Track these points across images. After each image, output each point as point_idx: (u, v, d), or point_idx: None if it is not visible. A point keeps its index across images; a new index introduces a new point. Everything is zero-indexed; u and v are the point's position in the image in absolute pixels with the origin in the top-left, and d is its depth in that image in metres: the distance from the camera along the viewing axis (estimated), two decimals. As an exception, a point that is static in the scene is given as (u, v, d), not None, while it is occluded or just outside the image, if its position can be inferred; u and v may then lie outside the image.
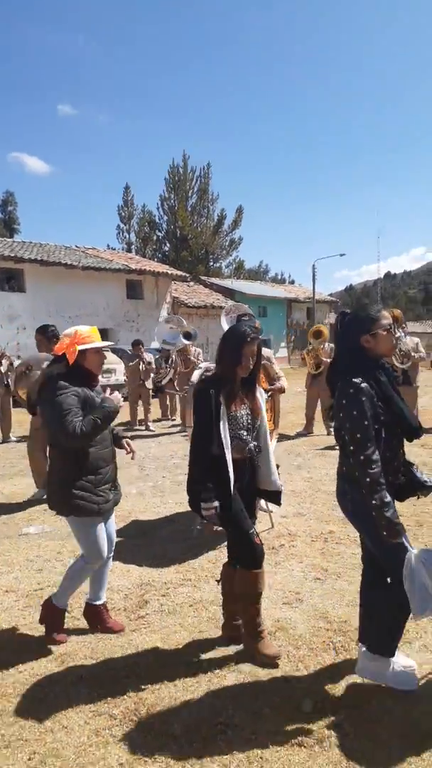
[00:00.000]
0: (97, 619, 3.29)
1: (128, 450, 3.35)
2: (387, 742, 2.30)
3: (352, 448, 2.48)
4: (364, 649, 2.71)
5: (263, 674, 2.81)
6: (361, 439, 2.46)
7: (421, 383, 8.75)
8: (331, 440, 8.85)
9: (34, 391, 3.42)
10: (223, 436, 2.81)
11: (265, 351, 5.54)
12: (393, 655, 2.67)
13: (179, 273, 27.11)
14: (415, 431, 2.62)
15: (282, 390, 5.11)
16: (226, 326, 4.62)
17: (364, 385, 2.49)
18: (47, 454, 4.22)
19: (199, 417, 2.87)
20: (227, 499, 2.79)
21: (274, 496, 3.16)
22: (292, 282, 67.76)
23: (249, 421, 2.99)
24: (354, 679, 2.73)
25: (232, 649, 3.04)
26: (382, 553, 2.57)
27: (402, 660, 2.71)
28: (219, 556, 4.31)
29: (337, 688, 2.68)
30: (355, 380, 2.49)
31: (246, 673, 2.82)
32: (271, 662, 2.88)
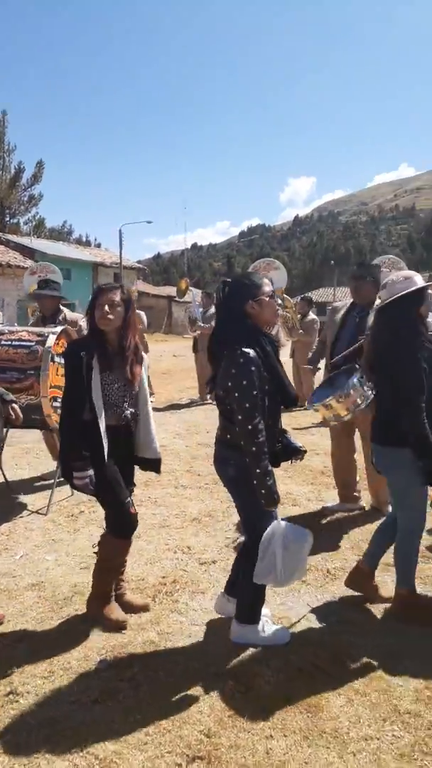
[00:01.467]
0: None
1: (14, 416, 3.26)
2: (177, 692, 2.41)
3: (240, 417, 2.47)
4: (234, 620, 2.77)
5: (58, 639, 2.77)
6: (249, 408, 2.46)
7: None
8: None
9: None
10: (95, 401, 2.70)
11: (73, 315, 5.36)
12: (258, 621, 2.75)
13: (-32, 226, 24.74)
14: (293, 400, 2.69)
15: None
16: (28, 287, 4.38)
17: (253, 354, 2.48)
18: None
19: (69, 381, 2.76)
20: (101, 466, 2.72)
21: (154, 464, 3.06)
22: (99, 245, 66.16)
23: (125, 386, 2.86)
24: (149, 634, 2.80)
25: (21, 617, 2.93)
26: (252, 519, 2.64)
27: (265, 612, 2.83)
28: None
29: (132, 644, 2.73)
30: (245, 349, 2.47)
31: (38, 640, 2.76)
32: (117, 626, 2.85)
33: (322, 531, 4.06)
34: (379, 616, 3.00)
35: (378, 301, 3.01)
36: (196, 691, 2.41)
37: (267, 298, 2.59)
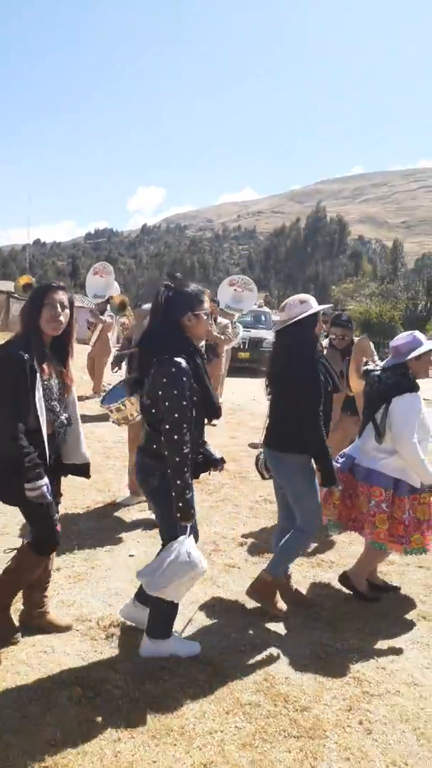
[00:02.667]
0: None
1: None
2: (23, 703, 2.32)
3: (167, 427, 2.44)
4: (145, 636, 2.70)
5: None
6: (178, 419, 2.43)
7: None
8: None
9: None
10: (39, 407, 2.48)
11: None
12: (171, 635, 2.72)
13: None
14: (217, 413, 2.70)
15: None
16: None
17: (185, 365, 2.45)
18: None
19: (12, 386, 2.44)
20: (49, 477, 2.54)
21: (82, 469, 2.88)
22: None
23: (60, 390, 2.68)
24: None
25: None
26: (171, 531, 2.59)
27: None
28: None
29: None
30: (177, 359, 2.44)
31: None
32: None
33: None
34: (221, 615, 3.15)
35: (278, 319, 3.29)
36: (43, 700, 2.35)
37: (204, 314, 2.62)
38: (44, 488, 2.47)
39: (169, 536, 2.61)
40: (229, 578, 3.57)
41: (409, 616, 3.30)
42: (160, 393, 2.45)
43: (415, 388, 3.23)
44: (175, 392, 2.43)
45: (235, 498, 5.02)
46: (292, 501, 3.24)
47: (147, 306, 4.79)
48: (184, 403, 2.44)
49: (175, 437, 2.44)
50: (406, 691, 2.62)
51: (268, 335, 17.61)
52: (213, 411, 2.67)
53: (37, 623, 2.85)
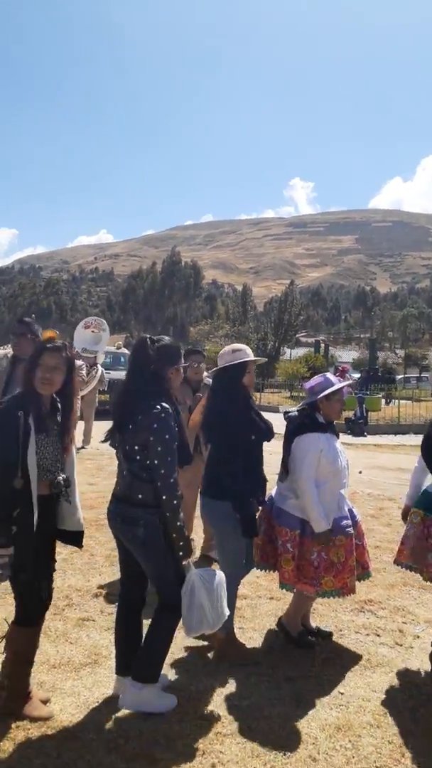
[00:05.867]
0: None
1: None
2: None
3: (162, 471, 2.50)
4: (129, 681, 2.63)
5: None
6: (171, 462, 2.52)
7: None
8: None
9: None
10: (30, 466, 2.41)
11: None
12: (158, 680, 2.66)
13: None
14: (188, 458, 2.81)
15: None
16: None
17: (171, 410, 2.55)
18: None
19: (2, 443, 2.41)
20: (29, 542, 2.43)
21: (76, 538, 2.74)
22: None
23: (59, 449, 2.60)
24: None
25: None
26: (166, 578, 2.60)
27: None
28: None
29: None
30: (165, 404, 2.54)
31: None
32: (46, 720, 2.57)
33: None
34: (74, 672, 3.02)
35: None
36: None
37: (180, 370, 2.81)
38: (6, 559, 2.40)
39: (167, 585, 2.61)
40: (83, 632, 3.45)
41: (257, 645, 3.41)
42: (151, 439, 2.51)
43: (318, 428, 3.24)
44: (167, 436, 2.52)
45: (92, 547, 4.90)
46: (217, 546, 3.34)
47: (3, 351, 4.62)
48: (175, 446, 2.55)
49: (171, 480, 2.51)
50: (256, 726, 2.66)
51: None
52: (186, 456, 2.77)
53: None
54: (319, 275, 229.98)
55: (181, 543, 2.55)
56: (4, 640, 2.66)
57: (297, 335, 56.98)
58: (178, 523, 2.53)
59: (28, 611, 2.60)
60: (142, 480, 2.58)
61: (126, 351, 22.49)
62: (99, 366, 10.06)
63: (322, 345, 43.17)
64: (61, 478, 2.61)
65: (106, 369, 11.67)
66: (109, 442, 2.82)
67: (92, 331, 10.55)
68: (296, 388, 28.70)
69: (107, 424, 2.84)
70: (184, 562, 2.58)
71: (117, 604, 2.92)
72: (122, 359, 19.40)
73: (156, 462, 2.52)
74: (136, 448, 2.58)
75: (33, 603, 2.59)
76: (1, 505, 2.41)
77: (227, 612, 2.71)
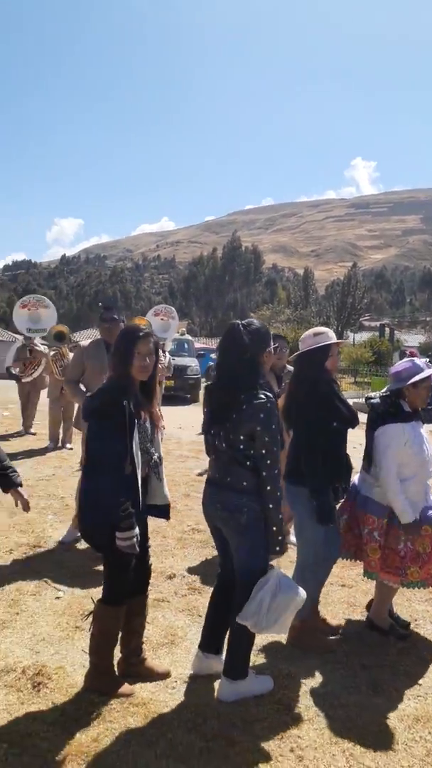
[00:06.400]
0: None
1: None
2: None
3: (268, 462, 2.51)
4: (224, 678, 2.68)
5: None
6: (276, 452, 2.50)
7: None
8: None
9: None
10: (135, 451, 2.52)
11: None
12: (248, 674, 2.70)
13: None
14: (282, 443, 2.71)
15: None
16: None
17: (273, 399, 2.52)
18: None
19: (113, 431, 2.48)
20: (139, 522, 2.56)
21: (164, 511, 2.86)
22: None
23: (151, 431, 2.73)
24: None
25: None
26: (251, 565, 2.61)
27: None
28: None
29: None
30: (268, 394, 2.51)
31: None
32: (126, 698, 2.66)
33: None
34: (150, 651, 3.10)
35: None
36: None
37: (270, 354, 2.76)
38: (134, 540, 2.49)
39: (248, 572, 2.62)
40: (158, 613, 3.54)
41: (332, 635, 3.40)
42: (258, 429, 2.50)
43: (402, 418, 3.13)
44: (273, 426, 2.51)
45: (163, 530, 5.00)
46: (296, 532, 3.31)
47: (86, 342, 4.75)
48: (279, 436, 2.55)
49: (276, 471, 2.53)
50: (333, 713, 2.67)
51: (192, 362, 17.79)
52: (281, 443, 2.72)
53: (135, 671, 2.84)
54: (383, 257, 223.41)
55: (279, 537, 2.57)
56: (90, 617, 2.76)
57: (360, 319, 55.71)
58: (279, 515, 2.55)
59: (116, 590, 2.67)
60: (246, 468, 2.58)
61: (189, 338, 22.74)
62: (167, 353, 10.19)
63: (387, 329, 41.91)
64: (156, 457, 2.74)
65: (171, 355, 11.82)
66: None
67: (161, 319, 10.68)
68: (361, 373, 28.11)
69: (171, 410, 2.87)
70: (280, 554, 2.63)
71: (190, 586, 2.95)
72: (185, 345, 19.65)
73: (263, 452, 2.53)
74: (242, 437, 2.55)
75: (122, 582, 2.65)
76: (121, 490, 2.50)
77: (278, 628, 2.62)
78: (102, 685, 2.70)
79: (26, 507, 2.91)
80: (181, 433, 10.05)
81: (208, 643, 2.87)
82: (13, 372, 9.54)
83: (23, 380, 9.46)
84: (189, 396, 16.84)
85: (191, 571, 4.22)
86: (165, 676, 2.87)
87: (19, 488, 2.88)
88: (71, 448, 8.62)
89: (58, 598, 3.67)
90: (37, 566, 4.16)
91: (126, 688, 2.72)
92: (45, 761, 2.26)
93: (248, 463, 2.58)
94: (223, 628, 2.83)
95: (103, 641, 2.71)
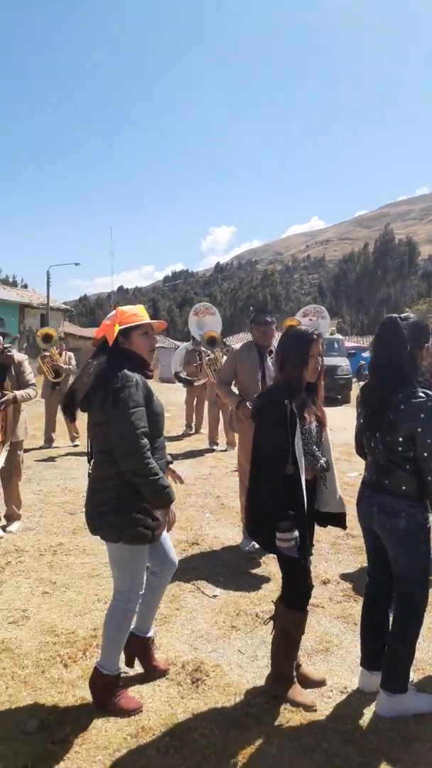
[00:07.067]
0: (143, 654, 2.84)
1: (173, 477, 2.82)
2: (113, 751, 2.35)
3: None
4: (382, 692, 2.58)
5: (-15, 702, 2.63)
6: None
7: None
8: (68, 450, 8.73)
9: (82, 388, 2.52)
10: (297, 453, 2.49)
11: (19, 355, 4.99)
12: (407, 689, 2.60)
13: None
14: None
15: (30, 397, 4.87)
16: None
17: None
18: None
19: (274, 432, 2.51)
20: (302, 525, 2.48)
21: (338, 519, 2.81)
22: (25, 286, 64.95)
23: (317, 433, 2.71)
24: (81, 691, 2.72)
25: None
26: (414, 572, 2.53)
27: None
28: None
29: (64, 702, 2.64)
30: (429, 392, 2.40)
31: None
32: (308, 709, 2.61)
33: (246, 573, 4.14)
34: (306, 656, 3.07)
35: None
36: (130, 749, 2.36)
37: (427, 350, 2.65)
38: (293, 542, 2.43)
39: (414, 582, 2.53)
40: (312, 618, 3.49)
41: None
42: (419, 430, 2.37)
43: None
44: None
45: (317, 534, 4.91)
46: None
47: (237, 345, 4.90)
48: None
49: None
50: None
51: (342, 362, 17.37)
52: None
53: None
54: None
55: None
56: (272, 621, 2.75)
57: None
58: None
59: (298, 594, 2.64)
60: (406, 471, 2.46)
61: (339, 337, 22.21)
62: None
63: None
64: (323, 461, 2.68)
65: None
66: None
67: (310, 319, 10.59)
68: None
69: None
70: None
71: (364, 595, 2.84)
72: (336, 345, 19.20)
73: (425, 455, 2.38)
74: (400, 439, 2.43)
75: (304, 586, 2.64)
76: (276, 491, 2.47)
77: None
78: (281, 690, 2.67)
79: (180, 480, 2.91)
80: (332, 434, 9.82)
81: (371, 661, 2.74)
82: (182, 376, 10.13)
83: (195, 384, 9.98)
84: (340, 396, 16.47)
85: (345, 577, 4.11)
86: (320, 683, 2.82)
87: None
88: (225, 450, 8.92)
89: (215, 596, 3.79)
90: (195, 563, 4.33)
91: (306, 698, 2.66)
92: (204, 757, 2.32)
93: (408, 466, 2.45)
94: (381, 643, 2.69)
95: (285, 646, 2.67)
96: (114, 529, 2.47)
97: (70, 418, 2.60)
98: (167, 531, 2.67)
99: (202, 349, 9.90)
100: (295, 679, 2.71)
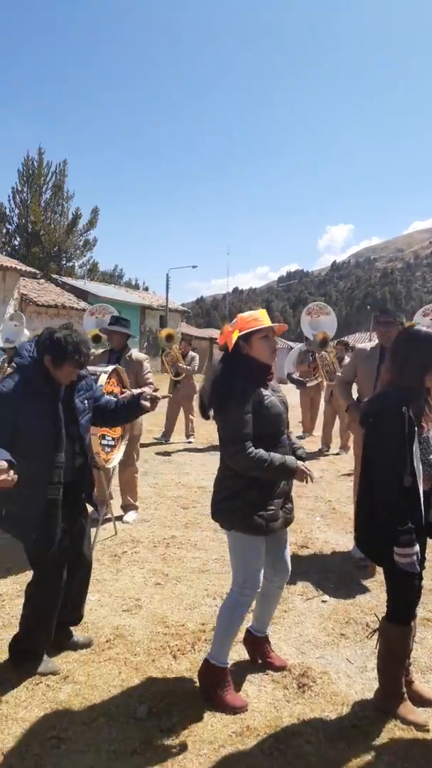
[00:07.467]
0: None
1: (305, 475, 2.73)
2: (218, 746, 2.38)
3: None
4: None
5: (100, 683, 2.77)
6: None
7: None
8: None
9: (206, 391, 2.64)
10: (415, 462, 2.38)
11: (139, 355, 5.27)
12: None
13: (29, 269, 25.80)
14: None
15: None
16: (89, 327, 4.38)
17: None
18: None
19: (392, 440, 2.40)
20: (418, 540, 2.39)
21: None
22: (146, 289, 67.92)
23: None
24: (189, 684, 2.78)
25: (64, 658, 2.96)
26: None
27: None
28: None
29: (173, 692, 2.71)
30: None
31: (81, 683, 2.77)
32: (419, 728, 2.49)
33: (358, 582, 4.02)
34: (419, 672, 2.93)
35: None
36: (235, 746, 2.38)
37: None
38: (414, 557, 2.33)
39: None
40: (427, 633, 3.31)
41: None
42: None
43: None
44: None
45: None
46: None
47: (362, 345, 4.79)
48: None
49: None
50: None
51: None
52: None
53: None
54: None
55: None
56: (376, 634, 2.68)
57: None
58: None
59: (401, 607, 2.55)
60: None
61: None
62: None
63: None
64: None
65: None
66: None
67: (431, 319, 10.03)
68: None
69: None
70: None
71: None
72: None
73: None
74: None
75: (409, 600, 2.53)
76: (393, 503, 2.37)
77: None
78: (391, 706, 2.58)
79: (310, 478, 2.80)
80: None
81: None
82: (294, 377, 10.02)
83: (307, 384, 9.86)
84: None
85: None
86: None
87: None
88: (338, 453, 8.72)
89: (324, 601, 3.71)
90: (304, 567, 4.27)
91: (418, 716, 2.54)
92: (308, 764, 2.28)
93: None
94: None
95: (391, 661, 2.59)
96: (227, 516, 2.60)
97: (203, 416, 2.71)
98: (312, 481, 2.67)
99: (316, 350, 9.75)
100: (406, 696, 2.60)
